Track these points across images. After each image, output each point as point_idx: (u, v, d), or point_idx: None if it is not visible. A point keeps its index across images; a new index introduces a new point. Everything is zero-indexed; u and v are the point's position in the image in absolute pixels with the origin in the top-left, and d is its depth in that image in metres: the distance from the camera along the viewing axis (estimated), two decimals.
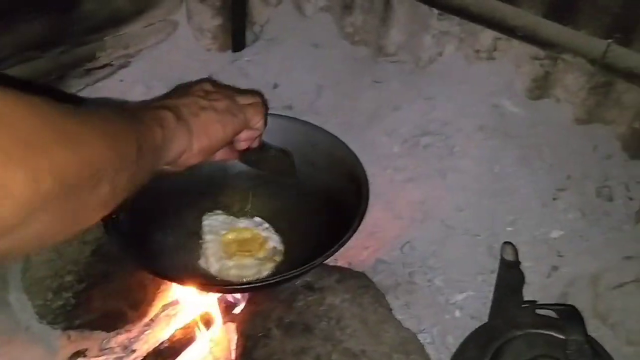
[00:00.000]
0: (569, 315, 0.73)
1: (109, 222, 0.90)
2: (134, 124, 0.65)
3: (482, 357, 0.79)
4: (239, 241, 1.00)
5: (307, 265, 0.86)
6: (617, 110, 1.13)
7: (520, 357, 0.77)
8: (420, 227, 1.15)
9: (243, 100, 0.92)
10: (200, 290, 1.02)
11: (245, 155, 0.99)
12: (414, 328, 1.01)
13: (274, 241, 1.03)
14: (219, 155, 0.91)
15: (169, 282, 1.07)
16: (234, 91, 0.95)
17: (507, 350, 0.79)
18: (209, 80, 0.93)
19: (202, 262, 0.98)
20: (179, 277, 0.91)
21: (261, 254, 0.99)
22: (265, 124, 0.96)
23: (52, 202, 0.45)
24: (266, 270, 0.98)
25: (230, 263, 0.96)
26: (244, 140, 0.95)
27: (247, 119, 0.91)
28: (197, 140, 0.80)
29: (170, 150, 0.74)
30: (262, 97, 0.99)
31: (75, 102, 0.83)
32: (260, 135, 0.98)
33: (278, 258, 1.01)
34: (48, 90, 1.09)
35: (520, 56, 1.17)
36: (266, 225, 1.06)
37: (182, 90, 0.89)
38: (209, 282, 0.95)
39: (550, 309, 0.80)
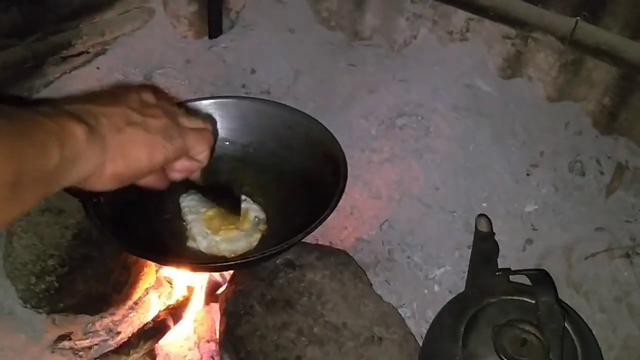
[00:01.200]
0: (539, 279, 0.75)
1: (89, 205, 0.90)
2: (16, 144, 0.50)
3: (458, 325, 0.81)
4: (220, 216, 1.00)
5: (290, 241, 0.87)
6: (587, 87, 1.16)
7: (494, 322, 0.80)
8: (398, 206, 1.17)
9: (187, 122, 0.77)
10: (185, 270, 1.03)
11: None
12: (394, 303, 1.03)
13: (255, 211, 1.03)
14: (144, 182, 0.74)
15: (152, 264, 1.09)
16: (181, 110, 0.78)
17: (481, 317, 0.81)
18: (153, 88, 0.77)
19: (190, 242, 0.98)
20: (165, 258, 0.92)
21: (246, 225, 1.00)
22: (210, 156, 0.82)
23: None
24: (255, 240, 0.99)
25: (218, 238, 0.96)
26: (180, 170, 0.79)
27: (187, 145, 0.75)
28: (111, 162, 0.63)
29: (72, 172, 0.58)
30: (213, 124, 0.88)
31: None
32: (202, 170, 0.84)
33: (263, 227, 1.02)
34: None
35: (492, 36, 1.20)
36: (243, 197, 1.06)
37: (117, 94, 0.71)
38: (192, 262, 0.95)
39: (522, 274, 0.83)
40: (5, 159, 0.48)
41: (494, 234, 0.90)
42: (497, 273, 0.85)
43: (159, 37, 1.37)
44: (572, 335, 0.79)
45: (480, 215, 0.90)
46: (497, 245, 0.90)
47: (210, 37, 1.42)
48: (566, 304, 0.88)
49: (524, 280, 0.88)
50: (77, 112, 0.60)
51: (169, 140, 0.71)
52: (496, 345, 0.77)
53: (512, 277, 0.88)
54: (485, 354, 0.77)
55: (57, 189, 0.57)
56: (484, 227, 0.88)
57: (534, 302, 0.80)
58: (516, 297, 0.83)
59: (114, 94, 0.71)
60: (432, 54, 1.27)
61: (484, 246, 0.89)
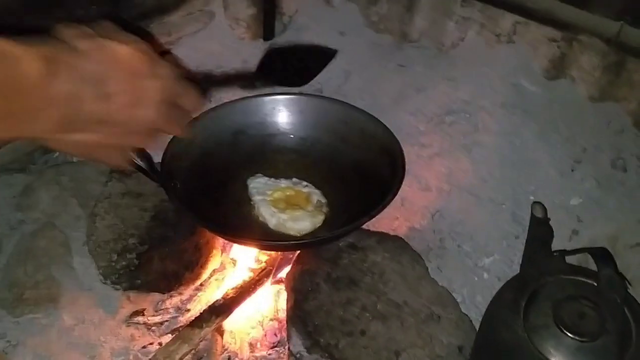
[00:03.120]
0: (600, 254, 0.81)
1: (168, 188, 0.97)
2: None
3: (519, 299, 0.86)
4: (285, 198, 1.07)
5: (358, 222, 0.94)
6: (628, 88, 1.21)
7: (554, 298, 0.85)
8: (448, 197, 1.23)
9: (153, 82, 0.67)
10: (257, 248, 1.10)
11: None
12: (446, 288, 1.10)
13: (317, 195, 1.09)
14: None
15: (220, 247, 1.16)
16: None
17: (541, 293, 0.87)
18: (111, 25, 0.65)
19: (259, 220, 1.05)
20: (239, 235, 0.99)
21: (309, 207, 1.06)
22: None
23: None
24: (319, 222, 1.04)
25: (285, 216, 1.03)
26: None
27: (163, 123, 0.71)
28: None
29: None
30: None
31: None
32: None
33: (325, 209, 1.08)
34: None
35: (538, 39, 1.26)
36: (305, 183, 1.12)
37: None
38: (266, 239, 1.02)
39: (582, 253, 0.88)
40: None
41: (549, 219, 0.96)
42: (555, 254, 0.91)
43: (218, 38, 1.45)
44: (627, 311, 0.84)
45: (536, 202, 0.96)
46: (552, 230, 0.96)
47: (265, 39, 1.50)
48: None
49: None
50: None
51: (133, 135, 0.71)
52: (556, 318, 0.82)
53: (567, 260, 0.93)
54: (545, 325, 0.83)
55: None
56: (539, 213, 0.94)
57: (591, 281, 0.86)
58: (573, 277, 0.88)
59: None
60: (480, 55, 1.33)
61: (539, 231, 0.95)
